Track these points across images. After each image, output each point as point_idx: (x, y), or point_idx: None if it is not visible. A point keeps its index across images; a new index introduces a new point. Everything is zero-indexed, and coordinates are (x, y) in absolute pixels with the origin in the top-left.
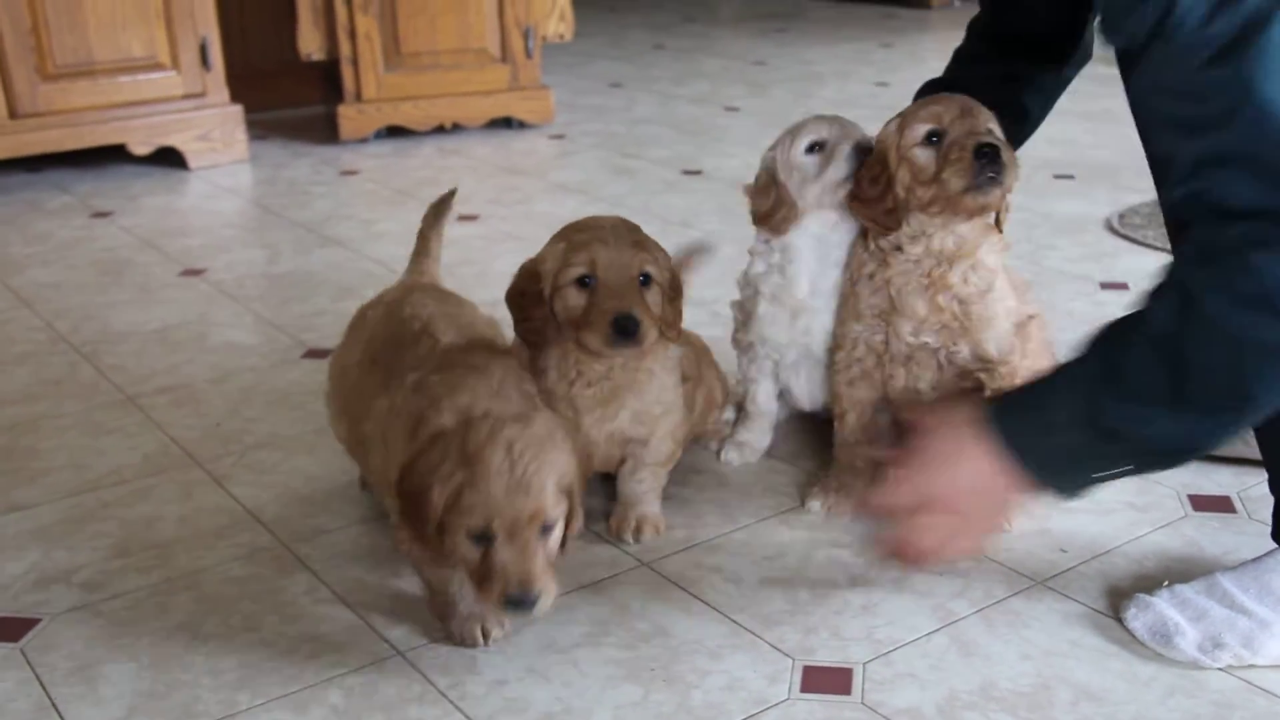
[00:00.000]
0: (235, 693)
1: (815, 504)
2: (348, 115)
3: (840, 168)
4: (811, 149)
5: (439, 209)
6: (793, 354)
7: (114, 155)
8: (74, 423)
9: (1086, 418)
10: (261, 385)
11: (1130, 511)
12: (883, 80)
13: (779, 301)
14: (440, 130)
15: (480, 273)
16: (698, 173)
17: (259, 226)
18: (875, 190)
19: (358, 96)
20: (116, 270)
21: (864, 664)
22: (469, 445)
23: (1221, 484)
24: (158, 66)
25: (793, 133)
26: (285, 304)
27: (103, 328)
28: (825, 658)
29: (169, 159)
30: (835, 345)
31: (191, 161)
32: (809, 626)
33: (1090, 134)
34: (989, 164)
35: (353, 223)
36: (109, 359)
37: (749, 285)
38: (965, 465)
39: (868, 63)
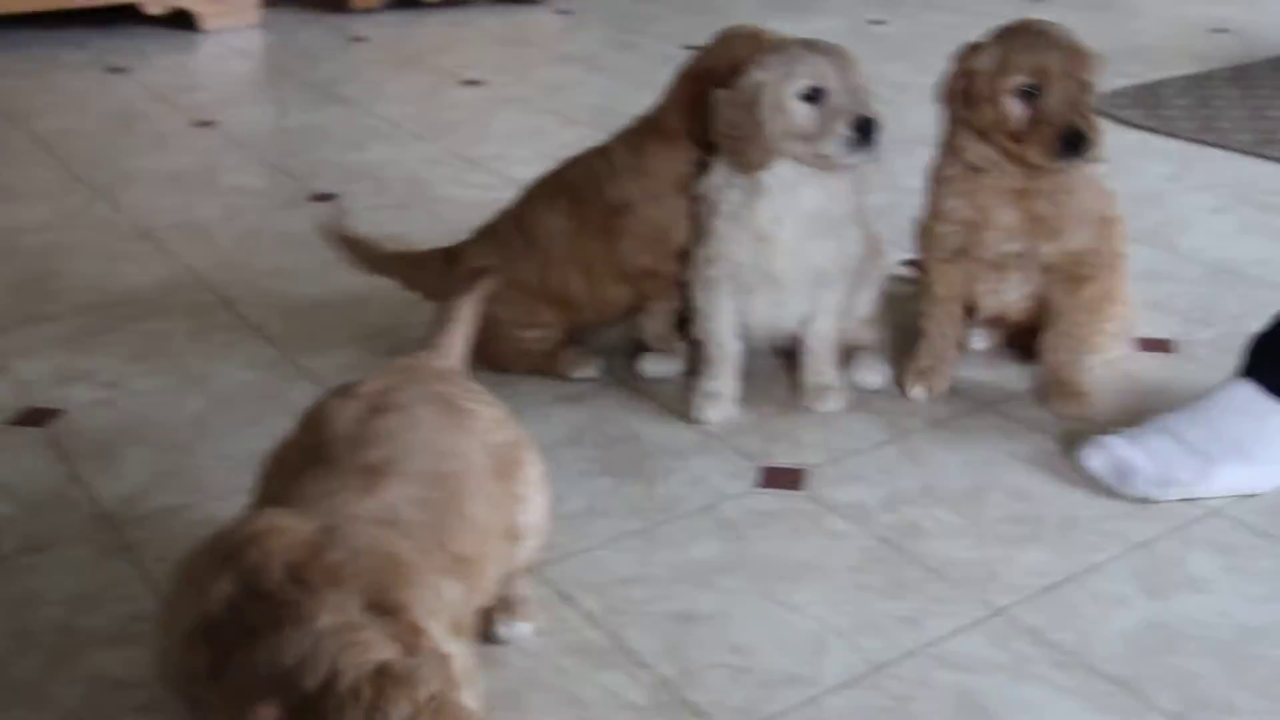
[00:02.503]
0: (242, 474)
1: (918, 391)
2: None
3: (834, 139)
4: (809, 97)
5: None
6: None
7: (127, 16)
8: (92, 251)
9: None
10: (269, 224)
11: None
12: None
13: (739, 222)
14: (449, 4)
15: (481, 130)
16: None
17: (269, 85)
18: (958, 104)
19: None
20: (130, 121)
21: (817, 466)
22: None
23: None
24: None
25: (787, 67)
26: (293, 154)
27: (118, 170)
28: (782, 460)
29: (181, 22)
30: (922, 231)
31: (203, 24)
32: (771, 435)
33: (1087, 22)
34: (1075, 150)
35: (361, 84)
36: (124, 197)
37: (704, 197)
38: None
39: None
